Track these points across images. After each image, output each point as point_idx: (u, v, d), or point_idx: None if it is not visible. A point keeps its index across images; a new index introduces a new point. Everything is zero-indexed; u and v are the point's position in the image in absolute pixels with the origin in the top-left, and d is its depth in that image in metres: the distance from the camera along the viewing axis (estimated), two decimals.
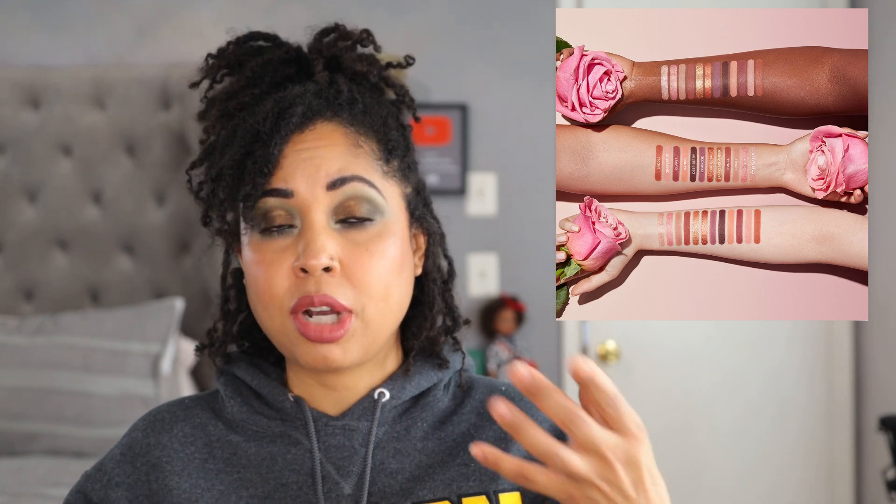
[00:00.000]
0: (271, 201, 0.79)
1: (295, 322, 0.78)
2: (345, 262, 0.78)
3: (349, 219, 0.80)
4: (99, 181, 2.52)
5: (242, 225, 0.82)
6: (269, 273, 0.79)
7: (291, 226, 0.79)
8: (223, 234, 0.84)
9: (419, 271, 0.87)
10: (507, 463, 0.69)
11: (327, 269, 0.78)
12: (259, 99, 0.82)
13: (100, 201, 2.53)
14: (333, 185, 0.79)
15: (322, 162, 0.79)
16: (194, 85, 0.86)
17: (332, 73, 0.84)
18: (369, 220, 0.80)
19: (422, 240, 0.88)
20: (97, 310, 2.42)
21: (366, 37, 0.86)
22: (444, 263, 0.90)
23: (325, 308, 0.78)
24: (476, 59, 2.73)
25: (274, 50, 0.85)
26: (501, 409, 0.69)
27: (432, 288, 0.88)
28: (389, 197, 0.82)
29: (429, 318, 0.87)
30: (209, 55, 0.86)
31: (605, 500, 0.68)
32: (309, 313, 0.78)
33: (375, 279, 0.79)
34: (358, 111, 0.83)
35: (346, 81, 0.84)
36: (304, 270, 0.77)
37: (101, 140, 2.52)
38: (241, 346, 0.90)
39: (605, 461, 0.68)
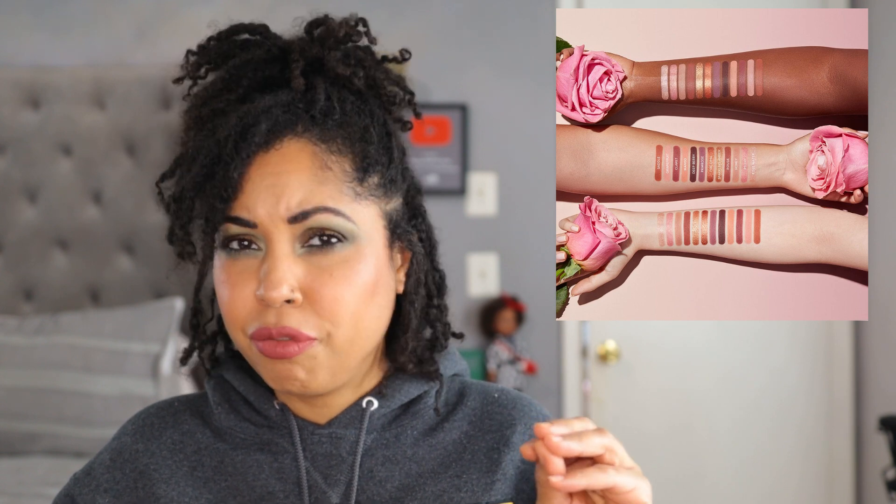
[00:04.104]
0: (235, 228, 0.75)
1: (256, 346, 0.76)
2: (308, 290, 0.74)
3: (315, 241, 0.75)
4: (99, 181, 2.52)
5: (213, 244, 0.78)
6: (232, 296, 0.75)
7: (257, 247, 0.75)
8: (187, 257, 0.80)
9: (402, 288, 0.83)
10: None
11: (289, 301, 0.74)
12: (233, 106, 0.77)
13: (100, 201, 2.53)
14: (295, 220, 0.74)
15: (283, 192, 0.74)
16: (177, 81, 0.82)
17: (312, 78, 0.78)
18: (337, 242, 0.75)
19: (408, 254, 0.83)
20: (97, 310, 2.43)
21: (357, 30, 0.80)
22: (435, 276, 0.86)
23: (284, 338, 0.74)
24: (476, 59, 2.73)
25: (255, 49, 0.79)
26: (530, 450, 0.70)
27: (409, 311, 0.83)
28: (362, 220, 0.76)
29: (401, 341, 0.83)
30: (189, 51, 0.82)
31: None
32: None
33: (341, 307, 0.74)
34: (332, 124, 0.76)
35: (327, 86, 0.78)
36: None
37: (101, 140, 2.52)
38: (230, 348, 0.87)
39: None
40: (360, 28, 0.81)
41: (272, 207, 0.73)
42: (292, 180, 0.74)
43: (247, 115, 0.75)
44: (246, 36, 0.80)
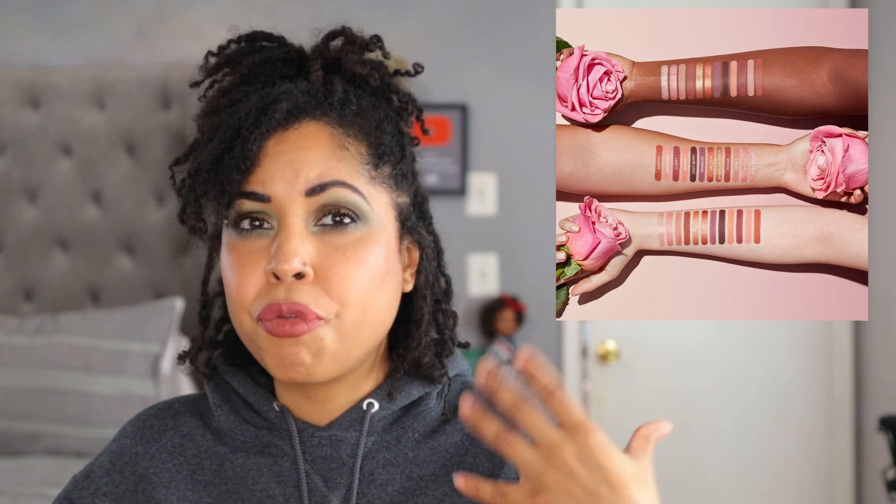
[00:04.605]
0: (248, 204, 0.75)
1: (264, 326, 0.75)
2: (319, 268, 0.74)
3: (328, 220, 0.75)
4: (99, 181, 2.52)
5: (224, 223, 0.78)
6: (241, 276, 0.75)
7: (269, 226, 0.75)
8: (198, 234, 0.80)
9: (409, 287, 0.83)
10: (485, 488, 0.72)
11: (300, 276, 0.73)
12: (249, 95, 0.78)
13: (100, 201, 2.53)
14: (313, 192, 0.74)
15: (302, 166, 0.74)
16: (195, 84, 0.82)
17: (330, 75, 0.80)
18: (351, 222, 0.75)
19: (415, 254, 0.83)
20: (97, 310, 2.43)
21: (374, 42, 0.82)
22: (441, 281, 0.86)
23: (293, 315, 0.73)
24: (476, 59, 2.73)
25: (274, 49, 0.81)
26: (465, 410, 0.72)
27: (421, 305, 0.82)
28: (376, 203, 0.77)
29: (414, 337, 0.82)
30: (209, 52, 0.83)
31: (569, 498, 0.68)
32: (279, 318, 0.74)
33: (351, 287, 0.74)
34: (349, 112, 0.78)
35: (343, 83, 0.80)
36: (276, 276, 0.73)
37: (101, 140, 2.52)
38: (227, 352, 0.86)
39: (552, 456, 0.69)
40: (376, 42, 0.83)
41: (290, 181, 0.74)
42: (311, 156, 0.75)
43: (267, 95, 0.77)
44: (264, 43, 0.82)
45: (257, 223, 0.75)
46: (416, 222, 0.83)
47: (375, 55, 0.83)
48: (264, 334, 0.75)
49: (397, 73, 0.84)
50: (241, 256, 0.75)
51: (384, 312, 0.78)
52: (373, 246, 0.76)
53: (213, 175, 0.76)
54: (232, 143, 0.75)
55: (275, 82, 0.80)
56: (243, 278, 0.75)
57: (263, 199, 0.75)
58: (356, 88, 0.80)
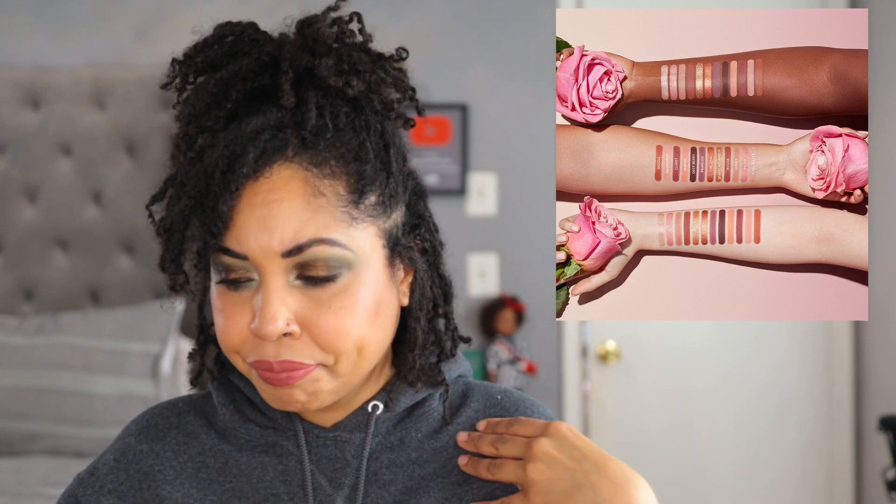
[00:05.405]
0: (226, 258, 0.72)
1: (256, 370, 0.75)
2: (306, 322, 0.72)
3: (309, 277, 0.72)
4: (99, 181, 2.52)
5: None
6: (227, 326, 0.74)
7: (252, 279, 0.73)
8: (179, 289, 0.76)
9: (406, 301, 0.81)
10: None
11: (286, 334, 0.72)
12: (221, 123, 0.73)
13: (100, 201, 2.53)
14: (290, 254, 0.71)
15: (276, 224, 0.70)
16: (164, 86, 0.78)
17: (303, 91, 0.74)
18: (333, 276, 0.72)
19: (410, 268, 0.81)
20: (97, 310, 2.42)
21: (349, 28, 0.75)
22: (441, 283, 0.85)
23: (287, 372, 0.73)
24: (476, 59, 2.73)
25: (243, 58, 0.74)
26: (461, 462, 0.83)
27: (415, 328, 0.81)
28: (358, 245, 0.73)
29: (408, 359, 0.82)
30: (174, 60, 0.77)
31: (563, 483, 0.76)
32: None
33: (344, 338, 0.73)
34: (324, 145, 0.72)
35: (319, 99, 0.74)
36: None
37: (101, 140, 2.52)
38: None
39: (533, 452, 0.77)
40: (354, 25, 0.77)
41: (265, 242, 0.71)
42: (283, 210, 0.71)
43: (233, 142, 0.71)
44: (231, 37, 0.76)
45: (242, 280, 0.73)
46: (405, 243, 0.79)
47: (357, 40, 0.76)
48: (258, 378, 0.75)
49: (380, 57, 0.77)
50: (227, 305, 0.74)
51: (382, 343, 0.77)
52: (360, 290, 0.73)
53: (189, 234, 0.74)
54: (202, 201, 0.72)
55: (246, 101, 0.74)
56: (229, 327, 0.74)
57: (240, 256, 0.72)
58: (333, 100, 0.74)
